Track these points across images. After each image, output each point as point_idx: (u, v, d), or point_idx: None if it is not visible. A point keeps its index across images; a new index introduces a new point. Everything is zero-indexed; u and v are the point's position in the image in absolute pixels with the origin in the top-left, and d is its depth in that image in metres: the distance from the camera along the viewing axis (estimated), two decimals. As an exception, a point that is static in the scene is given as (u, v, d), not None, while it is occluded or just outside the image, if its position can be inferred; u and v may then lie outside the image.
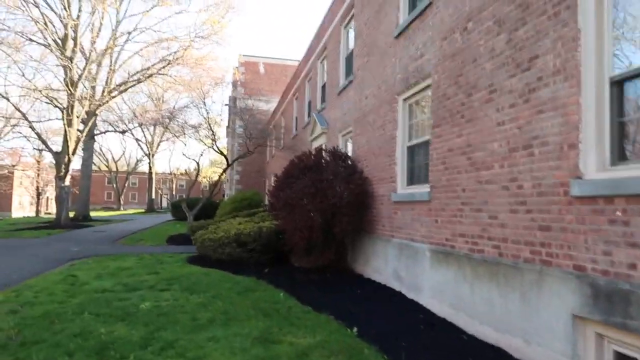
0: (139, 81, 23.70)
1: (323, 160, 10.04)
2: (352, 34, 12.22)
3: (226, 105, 37.83)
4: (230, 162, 20.47)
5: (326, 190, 8.96)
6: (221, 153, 20.28)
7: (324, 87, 15.47)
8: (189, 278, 8.53)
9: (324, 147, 13.87)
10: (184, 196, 53.53)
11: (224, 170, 20.89)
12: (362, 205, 9.23)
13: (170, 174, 67.70)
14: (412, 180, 7.92)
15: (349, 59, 12.30)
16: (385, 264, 8.34)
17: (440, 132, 6.49)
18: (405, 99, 8.10)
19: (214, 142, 19.88)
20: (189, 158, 23.61)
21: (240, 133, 29.60)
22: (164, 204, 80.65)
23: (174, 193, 72.63)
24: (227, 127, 43.65)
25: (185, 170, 37.79)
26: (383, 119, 8.93)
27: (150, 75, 23.71)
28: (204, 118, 20.85)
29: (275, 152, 26.84)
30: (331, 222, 8.87)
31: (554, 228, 4.13)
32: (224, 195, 46.58)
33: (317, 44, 16.06)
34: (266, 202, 24.43)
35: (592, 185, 3.74)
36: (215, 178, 61.51)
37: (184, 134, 25.29)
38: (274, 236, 10.23)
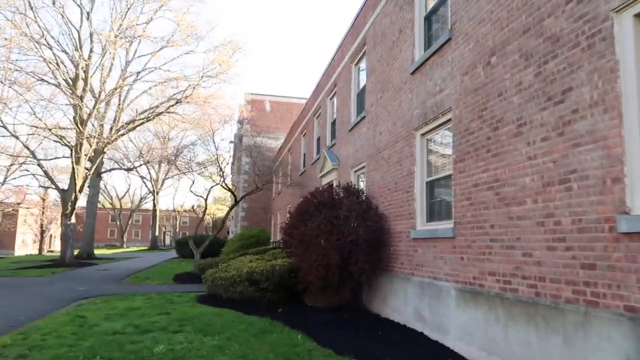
0: (147, 119, 23.90)
1: (336, 197, 9.88)
2: (363, 71, 12.30)
3: (231, 142, 38.05)
4: (237, 199, 20.31)
5: (342, 227, 8.77)
6: (229, 190, 20.18)
7: (333, 123, 15.49)
8: (201, 319, 8.23)
9: (335, 183, 13.77)
10: (188, 234, 53.06)
11: (232, 207, 20.73)
12: (379, 242, 9.00)
13: (174, 211, 67.51)
14: (432, 216, 7.73)
15: (361, 95, 12.33)
16: (405, 304, 8.04)
17: (464, 167, 6.35)
18: (423, 134, 8.02)
19: (222, 179, 19.84)
20: (197, 195, 23.36)
21: (247, 170, 29.62)
22: (167, 241, 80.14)
23: (177, 230, 72.26)
24: (232, 164, 43.86)
25: (192, 207, 37.57)
26: (399, 154, 8.83)
27: (159, 114, 23.90)
28: (213, 155, 20.94)
29: (281, 189, 26.74)
30: (348, 261, 8.63)
31: (600, 266, 3.92)
32: (228, 232, 46.29)
33: (326, 82, 16.21)
34: (272, 240, 24.11)
35: (641, 220, 3.56)
36: (219, 215, 61.29)
37: (192, 170, 25.35)
38: (287, 274, 9.96)
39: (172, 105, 23.31)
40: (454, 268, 6.50)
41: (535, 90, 4.91)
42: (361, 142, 11.43)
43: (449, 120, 6.99)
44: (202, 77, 24.03)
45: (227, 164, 27.18)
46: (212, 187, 22.48)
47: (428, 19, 8.29)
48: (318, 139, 18.02)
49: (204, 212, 21.77)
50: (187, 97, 24.60)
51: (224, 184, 19.89)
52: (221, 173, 20.05)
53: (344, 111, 13.35)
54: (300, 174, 20.95)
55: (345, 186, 10.16)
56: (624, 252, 3.68)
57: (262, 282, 9.82)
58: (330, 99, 15.81)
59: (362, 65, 12.28)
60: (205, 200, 21.55)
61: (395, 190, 8.93)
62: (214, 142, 29.20)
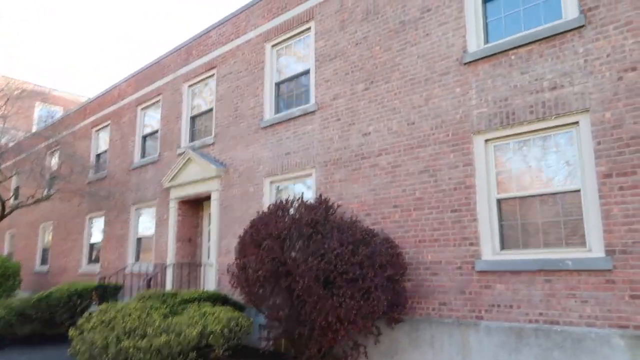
0: None
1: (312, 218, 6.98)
2: (282, 54, 9.72)
3: None
4: (5, 210, 13.12)
5: (373, 257, 6.16)
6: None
7: (195, 118, 11.86)
8: None
9: (214, 196, 10.40)
10: None
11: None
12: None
13: None
14: (510, 242, 6.17)
15: (281, 85, 9.70)
16: (463, 358, 6.11)
17: (629, 182, 5.17)
18: (490, 140, 6.42)
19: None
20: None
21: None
22: None
23: None
24: None
25: None
26: (426, 162, 6.93)
27: None
28: None
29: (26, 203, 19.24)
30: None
31: None
32: None
33: (182, 61, 12.32)
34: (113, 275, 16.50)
35: None
36: None
37: None
38: (248, 330, 6.46)
39: None
40: (612, 309, 5.13)
41: None
42: (301, 143, 8.80)
43: (574, 123, 5.72)
44: None
45: None
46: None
47: None
48: (145, 137, 13.56)
49: None
50: None
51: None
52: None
53: (245, 103, 10.21)
54: (90, 181, 15.30)
55: (317, 199, 7.38)
56: None
57: (218, 348, 6.00)
58: (190, 85, 12.06)
59: (294, 47, 9.66)
60: (3, 204, 13.18)
61: (418, 207, 6.94)
62: None
